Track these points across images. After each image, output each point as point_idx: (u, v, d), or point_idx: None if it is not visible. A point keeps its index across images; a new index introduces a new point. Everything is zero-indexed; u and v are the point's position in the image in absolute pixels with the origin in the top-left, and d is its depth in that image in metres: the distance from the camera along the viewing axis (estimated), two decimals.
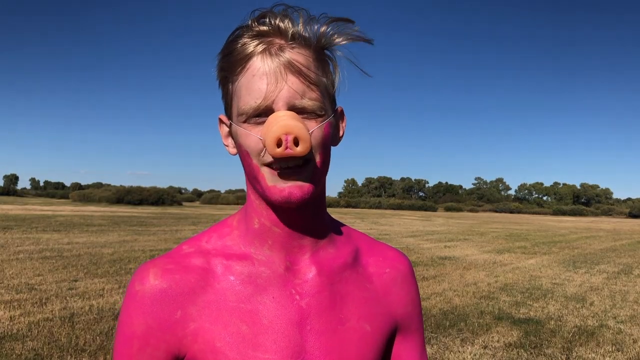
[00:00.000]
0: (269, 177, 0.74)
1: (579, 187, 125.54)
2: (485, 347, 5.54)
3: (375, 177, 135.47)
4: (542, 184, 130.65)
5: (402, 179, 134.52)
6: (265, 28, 0.75)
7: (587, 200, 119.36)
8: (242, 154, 0.77)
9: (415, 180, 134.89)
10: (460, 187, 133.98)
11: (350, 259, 0.87)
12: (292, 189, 0.73)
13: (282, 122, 0.70)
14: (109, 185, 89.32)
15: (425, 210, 79.88)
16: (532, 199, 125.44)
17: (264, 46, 0.74)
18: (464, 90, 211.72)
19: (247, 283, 0.79)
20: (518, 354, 5.37)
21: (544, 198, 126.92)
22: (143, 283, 0.77)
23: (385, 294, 0.88)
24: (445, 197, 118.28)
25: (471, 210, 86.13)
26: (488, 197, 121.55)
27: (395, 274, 0.91)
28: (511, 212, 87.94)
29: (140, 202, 47.96)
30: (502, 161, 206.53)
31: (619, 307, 7.84)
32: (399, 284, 0.91)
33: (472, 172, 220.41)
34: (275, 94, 0.72)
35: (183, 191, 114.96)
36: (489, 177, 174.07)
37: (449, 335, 5.93)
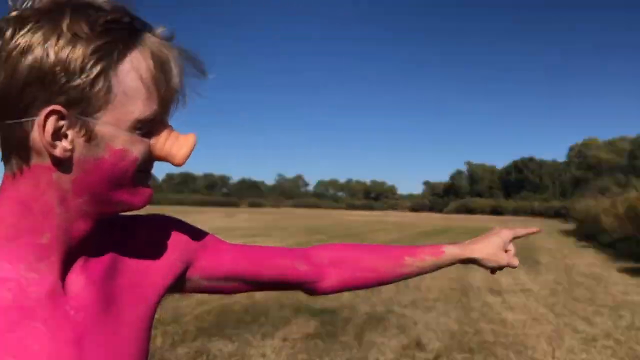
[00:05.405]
0: (142, 179, 0.75)
1: (369, 184, 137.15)
2: (284, 340, 5.65)
3: (176, 173, 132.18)
4: (337, 180, 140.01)
5: (205, 175, 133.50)
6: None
7: (376, 196, 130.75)
8: (123, 160, 0.70)
9: (218, 176, 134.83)
10: (263, 183, 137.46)
11: (113, 252, 0.81)
12: (149, 189, 0.78)
13: (193, 138, 0.76)
14: None
15: (230, 206, 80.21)
16: (329, 195, 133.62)
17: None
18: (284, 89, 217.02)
19: (11, 308, 0.65)
20: (315, 344, 5.58)
21: (339, 194, 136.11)
22: None
23: (156, 255, 0.85)
24: (248, 193, 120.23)
25: (274, 206, 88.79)
26: (289, 193, 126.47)
27: (160, 231, 0.89)
28: (310, 207, 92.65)
29: None
30: (302, 158, 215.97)
31: (402, 293, 8.63)
32: (167, 235, 0.89)
33: (274, 168, 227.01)
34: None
35: None
36: (290, 174, 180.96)
37: (250, 330, 5.95)
